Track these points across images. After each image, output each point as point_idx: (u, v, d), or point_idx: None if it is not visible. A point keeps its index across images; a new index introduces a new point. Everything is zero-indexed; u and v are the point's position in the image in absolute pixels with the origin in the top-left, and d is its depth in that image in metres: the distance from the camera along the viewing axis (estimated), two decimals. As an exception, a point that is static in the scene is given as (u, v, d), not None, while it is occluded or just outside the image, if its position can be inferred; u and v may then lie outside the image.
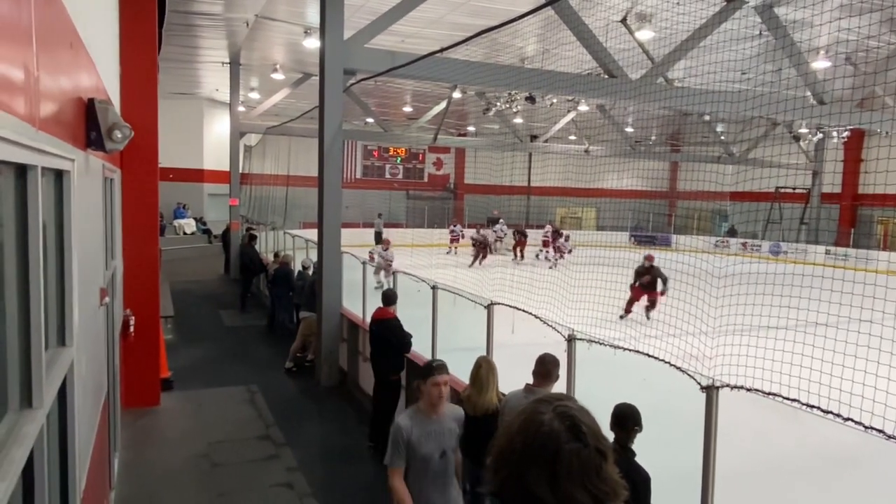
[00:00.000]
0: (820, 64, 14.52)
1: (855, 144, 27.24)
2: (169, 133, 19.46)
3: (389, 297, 7.06)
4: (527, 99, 18.10)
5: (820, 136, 24.89)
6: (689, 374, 3.45)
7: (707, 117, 22.43)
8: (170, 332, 11.92)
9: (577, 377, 4.64)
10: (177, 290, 16.17)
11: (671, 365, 3.78)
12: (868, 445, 2.82)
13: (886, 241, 27.40)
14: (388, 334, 6.77)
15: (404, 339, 6.80)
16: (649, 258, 13.07)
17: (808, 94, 12.79)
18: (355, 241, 18.38)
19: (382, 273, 10.37)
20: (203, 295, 16.80)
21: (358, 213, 26.46)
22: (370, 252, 11.92)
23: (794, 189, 28.65)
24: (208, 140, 28.01)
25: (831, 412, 2.79)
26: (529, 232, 25.63)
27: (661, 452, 4.37)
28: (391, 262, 11.62)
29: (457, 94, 18.82)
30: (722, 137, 24.45)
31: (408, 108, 25.87)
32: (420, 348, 6.99)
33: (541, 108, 20.89)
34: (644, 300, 13.13)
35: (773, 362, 5.78)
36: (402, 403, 7.11)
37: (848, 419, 2.72)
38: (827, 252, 25.92)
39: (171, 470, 6.39)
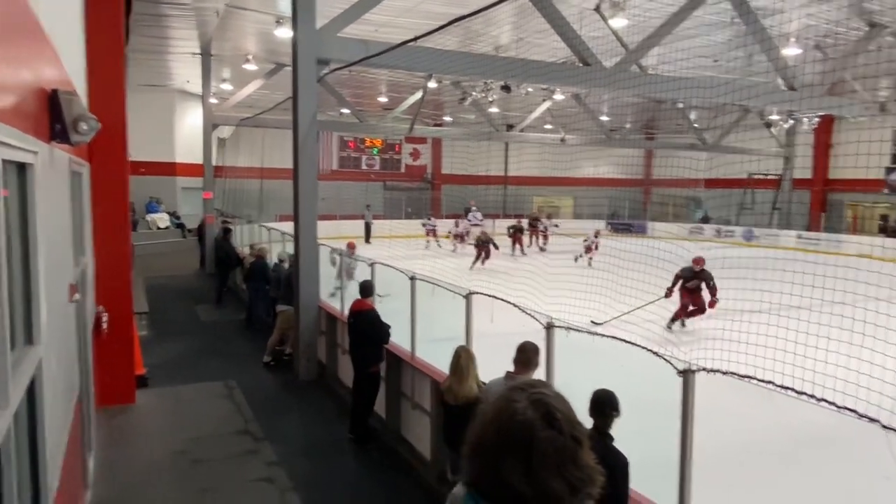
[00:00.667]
0: (790, 51, 14.71)
1: (825, 130, 27.72)
2: (140, 126, 19.07)
3: (367, 289, 7.02)
4: (502, 88, 18.08)
5: (791, 122, 25.27)
6: (665, 359, 3.47)
7: (680, 105, 22.62)
8: (144, 329, 11.74)
9: (558, 365, 4.67)
10: (151, 286, 15.93)
11: (649, 350, 3.80)
12: (843, 426, 2.88)
13: (856, 224, 27.98)
14: (365, 326, 6.74)
15: (382, 331, 6.77)
16: (698, 262, 11.59)
17: (779, 80, 12.96)
18: (332, 234, 18.26)
19: (345, 276, 9.95)
20: (178, 290, 16.57)
21: (335, 205, 26.25)
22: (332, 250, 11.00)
23: (766, 175, 29.06)
24: (180, 133, 27.54)
25: (805, 393, 2.83)
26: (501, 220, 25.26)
27: (640, 437, 4.42)
28: (353, 269, 10.99)
29: (432, 84, 18.73)
30: (695, 125, 24.69)
31: (383, 99, 25.69)
32: (399, 339, 6.96)
33: (517, 98, 20.90)
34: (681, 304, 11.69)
35: (748, 345, 5.87)
36: (382, 395, 7.09)
37: (822, 400, 2.76)
38: (799, 237, 26.39)
39: (150, 467, 6.31)
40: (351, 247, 12.57)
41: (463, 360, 5.05)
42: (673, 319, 11.58)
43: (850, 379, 4.81)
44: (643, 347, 3.92)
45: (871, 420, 2.43)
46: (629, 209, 33.71)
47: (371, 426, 7.04)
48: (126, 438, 7.08)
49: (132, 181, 8.06)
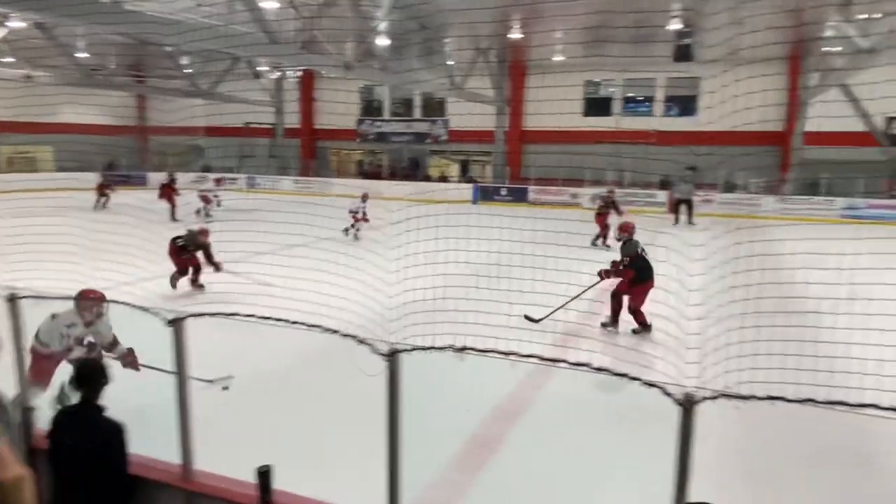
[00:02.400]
0: (268, 4, 15.45)
1: (308, 83, 30.76)
2: None
3: None
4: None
5: (278, 73, 27.09)
6: (153, 313, 3.30)
7: (169, 48, 21.62)
8: None
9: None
10: None
11: (141, 308, 3.55)
12: (331, 341, 3.29)
13: (340, 168, 32.48)
14: None
15: None
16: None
17: (261, 32, 13.58)
18: None
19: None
20: None
21: None
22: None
23: (261, 124, 30.83)
24: None
25: (283, 319, 3.08)
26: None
27: (139, 396, 4.18)
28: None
29: None
30: (187, 70, 24.08)
31: None
32: None
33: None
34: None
35: (244, 284, 6.12)
36: None
37: (296, 322, 3.05)
38: (295, 181, 29.04)
39: None
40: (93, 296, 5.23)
41: None
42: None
43: (335, 304, 5.55)
44: (135, 306, 3.65)
45: (347, 336, 2.79)
46: (127, 159, 31.07)
47: None
48: None
49: None
